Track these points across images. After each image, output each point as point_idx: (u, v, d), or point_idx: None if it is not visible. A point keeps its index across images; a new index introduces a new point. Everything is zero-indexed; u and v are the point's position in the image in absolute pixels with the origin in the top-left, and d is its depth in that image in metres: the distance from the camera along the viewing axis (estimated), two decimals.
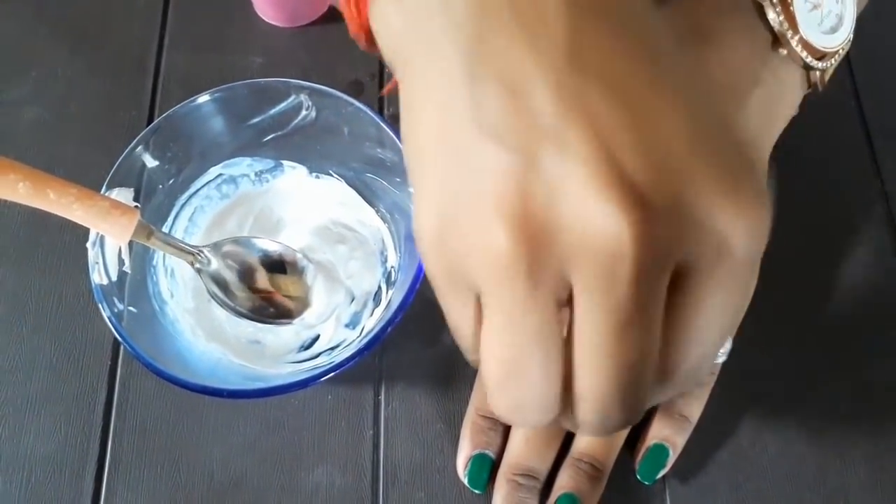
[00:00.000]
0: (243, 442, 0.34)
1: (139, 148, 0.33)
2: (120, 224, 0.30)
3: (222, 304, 0.33)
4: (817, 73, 0.32)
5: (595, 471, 0.31)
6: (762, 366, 0.35)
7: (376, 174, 0.36)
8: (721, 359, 0.32)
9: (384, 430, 0.34)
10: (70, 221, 0.29)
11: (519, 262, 0.17)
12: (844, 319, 0.36)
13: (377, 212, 0.37)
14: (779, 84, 0.32)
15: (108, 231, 0.30)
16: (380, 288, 0.36)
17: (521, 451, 0.31)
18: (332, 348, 0.35)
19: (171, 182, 0.35)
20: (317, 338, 0.35)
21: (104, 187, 0.32)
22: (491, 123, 0.17)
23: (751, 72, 0.31)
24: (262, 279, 0.34)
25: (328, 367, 0.29)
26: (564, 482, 0.31)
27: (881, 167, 0.39)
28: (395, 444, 0.34)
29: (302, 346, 0.35)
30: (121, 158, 0.32)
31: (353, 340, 0.35)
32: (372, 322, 0.35)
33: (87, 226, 0.30)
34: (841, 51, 0.30)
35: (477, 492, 0.32)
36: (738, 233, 0.17)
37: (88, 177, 0.30)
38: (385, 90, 0.25)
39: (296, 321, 0.35)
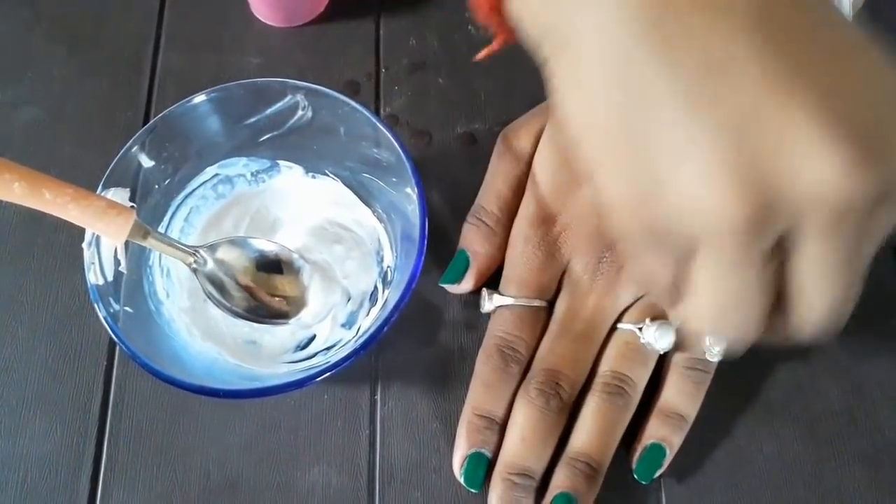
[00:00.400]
0: (239, 442, 0.34)
1: (135, 148, 0.33)
2: (116, 224, 0.30)
3: (218, 304, 0.33)
4: None
5: (591, 470, 0.31)
6: (757, 365, 0.35)
7: (372, 174, 0.36)
8: (716, 358, 0.32)
9: (380, 429, 0.34)
10: (65, 221, 0.29)
11: (747, 223, 0.18)
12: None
13: (373, 212, 0.37)
14: None
15: (104, 231, 0.30)
16: (376, 288, 0.36)
17: (518, 450, 0.31)
18: (329, 348, 0.35)
19: (166, 182, 0.35)
20: (313, 338, 0.35)
21: (100, 187, 0.32)
22: (689, 96, 0.18)
23: None
24: (259, 279, 0.34)
25: (324, 366, 0.29)
26: (560, 481, 0.31)
27: None
28: (391, 443, 0.34)
29: (298, 346, 0.35)
30: (117, 158, 0.32)
31: (350, 340, 0.35)
32: (368, 322, 0.35)
33: (83, 226, 0.30)
34: None
35: (473, 491, 0.32)
36: None
37: (84, 177, 0.30)
38: (484, 54, 0.26)
39: (292, 321, 0.35)
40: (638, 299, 0.33)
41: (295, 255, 0.35)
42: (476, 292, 0.35)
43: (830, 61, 0.18)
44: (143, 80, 0.42)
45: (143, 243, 0.31)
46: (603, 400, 0.32)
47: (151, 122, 0.33)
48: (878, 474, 0.33)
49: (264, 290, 0.35)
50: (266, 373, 0.34)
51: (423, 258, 0.31)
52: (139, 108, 0.41)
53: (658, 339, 0.32)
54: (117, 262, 0.32)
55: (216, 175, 0.36)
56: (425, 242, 0.31)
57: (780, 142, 0.17)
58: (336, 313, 0.35)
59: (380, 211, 0.37)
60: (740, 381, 0.34)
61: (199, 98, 0.33)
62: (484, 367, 0.33)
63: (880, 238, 0.20)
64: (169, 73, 0.42)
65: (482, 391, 0.33)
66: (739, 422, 0.34)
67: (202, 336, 0.34)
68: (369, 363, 0.35)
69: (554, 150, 0.34)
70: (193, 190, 0.36)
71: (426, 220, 0.31)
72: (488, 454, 0.32)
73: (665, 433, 0.32)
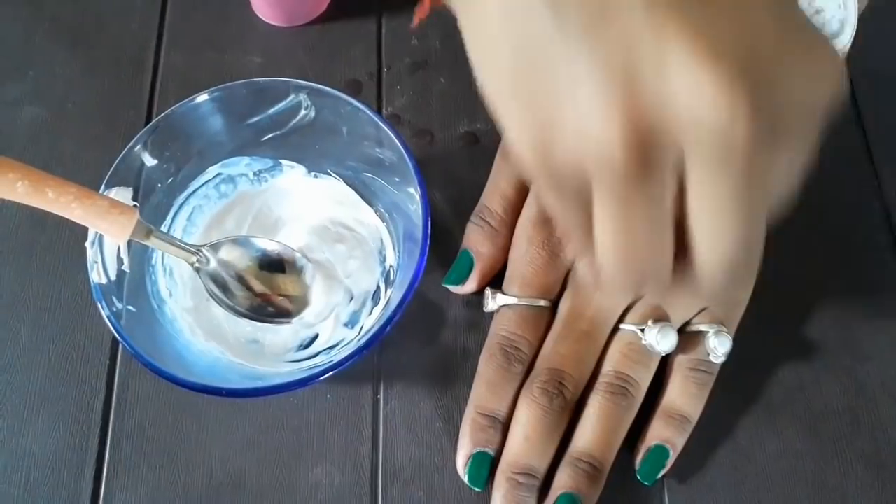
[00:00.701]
0: (242, 441, 0.34)
1: (138, 147, 0.33)
2: (119, 223, 0.30)
3: (221, 304, 0.33)
4: None
5: (594, 470, 0.31)
6: (760, 366, 0.35)
7: (375, 173, 0.36)
8: (720, 359, 0.32)
9: (383, 428, 0.34)
10: (68, 220, 0.29)
11: (629, 151, 0.18)
12: (841, 319, 0.36)
13: (376, 211, 0.37)
14: None
15: (107, 230, 0.30)
16: (378, 287, 0.36)
17: (521, 450, 0.31)
18: (331, 347, 0.35)
19: (169, 181, 0.35)
20: (315, 337, 0.35)
21: (103, 186, 0.32)
22: (579, 33, 0.18)
23: None
24: (261, 278, 0.34)
25: (327, 365, 0.29)
26: (563, 482, 0.31)
27: (879, 172, 0.39)
28: (394, 442, 0.34)
29: (301, 346, 0.35)
30: (119, 158, 0.32)
31: (352, 339, 0.35)
32: (371, 321, 0.35)
33: (86, 225, 0.30)
34: (841, 55, 0.31)
35: (476, 490, 0.32)
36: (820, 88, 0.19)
37: (87, 176, 0.30)
38: (416, 20, 0.27)
39: (294, 320, 0.35)
40: (640, 299, 0.33)
41: (297, 255, 0.35)
42: (479, 292, 0.35)
43: None
44: (145, 79, 0.42)
45: (146, 242, 0.31)
46: (606, 400, 0.32)
47: (154, 121, 0.33)
48: (881, 474, 0.33)
49: (267, 289, 0.35)
50: (269, 372, 0.34)
51: (425, 258, 0.31)
52: (141, 107, 0.41)
53: (660, 340, 0.32)
54: (120, 261, 0.32)
55: (219, 174, 0.36)
56: (428, 242, 0.31)
57: (658, 70, 0.17)
58: (338, 313, 0.35)
59: (382, 210, 0.37)
60: (742, 381, 0.34)
61: (202, 97, 0.33)
62: (487, 366, 0.33)
63: (781, 175, 0.20)
64: (171, 73, 0.42)
65: (485, 390, 0.33)
66: (741, 422, 0.34)
67: (205, 335, 0.34)
68: (372, 362, 0.35)
69: None
70: (196, 189, 0.36)
71: (429, 219, 0.31)
72: (492, 453, 0.32)
73: (668, 434, 0.32)
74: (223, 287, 0.33)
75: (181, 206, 0.36)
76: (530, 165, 0.21)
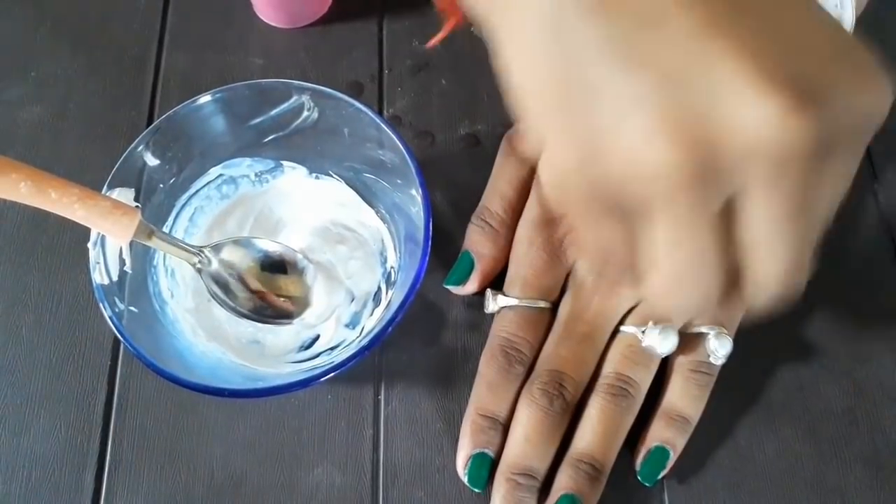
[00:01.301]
0: (243, 441, 0.34)
1: (140, 148, 0.33)
2: (121, 224, 0.30)
3: (223, 304, 0.33)
4: None
5: (595, 471, 0.31)
6: (759, 367, 0.35)
7: (376, 175, 0.36)
8: (720, 361, 0.32)
9: (384, 429, 0.34)
10: (69, 221, 0.29)
11: (691, 177, 0.18)
12: (839, 320, 0.36)
13: (377, 212, 0.37)
14: None
15: (109, 231, 0.30)
16: (379, 288, 0.36)
17: (521, 451, 0.31)
18: (332, 348, 0.35)
19: (171, 182, 0.35)
20: (317, 338, 0.35)
21: (105, 187, 0.32)
22: (625, 53, 0.18)
23: None
24: (263, 279, 0.34)
25: (328, 366, 0.29)
26: (564, 483, 0.31)
27: (878, 175, 0.39)
28: (394, 443, 0.34)
29: (302, 346, 0.35)
30: (122, 158, 0.32)
31: (353, 340, 0.35)
32: (372, 322, 0.35)
33: (89, 226, 0.30)
34: None
35: (476, 490, 0.32)
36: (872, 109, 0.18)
37: (88, 177, 0.30)
38: (434, 40, 0.27)
39: (296, 321, 0.35)
40: (641, 301, 0.33)
41: (299, 256, 0.35)
42: (480, 293, 0.36)
43: (762, 10, 0.18)
44: (146, 79, 0.42)
45: (148, 243, 0.31)
46: (607, 402, 0.32)
47: (156, 122, 0.33)
48: (880, 474, 0.33)
49: (268, 290, 0.35)
50: (270, 373, 0.34)
51: (427, 259, 0.31)
52: (143, 108, 0.41)
53: (661, 342, 0.32)
54: (122, 262, 0.32)
55: (220, 175, 0.37)
56: (429, 243, 0.31)
57: (716, 92, 0.17)
58: (340, 313, 0.35)
59: (383, 212, 0.37)
60: (742, 381, 0.34)
61: (205, 98, 0.33)
62: (488, 367, 0.33)
63: (832, 194, 0.19)
64: (173, 74, 0.42)
65: (486, 391, 0.33)
66: (741, 422, 0.34)
67: (206, 336, 0.34)
68: (373, 363, 0.35)
69: None
70: (198, 190, 0.36)
71: (430, 220, 0.31)
72: (492, 454, 0.32)
73: (669, 436, 0.32)
74: (225, 288, 0.34)
75: (183, 206, 0.36)
76: (573, 188, 0.20)
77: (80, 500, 0.33)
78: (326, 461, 0.34)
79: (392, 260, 0.36)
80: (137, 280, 0.33)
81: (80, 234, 0.31)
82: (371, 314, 0.35)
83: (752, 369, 0.35)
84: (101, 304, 0.30)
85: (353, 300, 0.36)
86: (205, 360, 0.33)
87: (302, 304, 0.35)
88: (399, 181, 0.34)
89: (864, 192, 0.39)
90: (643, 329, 0.32)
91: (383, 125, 0.33)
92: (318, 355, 0.35)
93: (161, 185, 0.35)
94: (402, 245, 0.36)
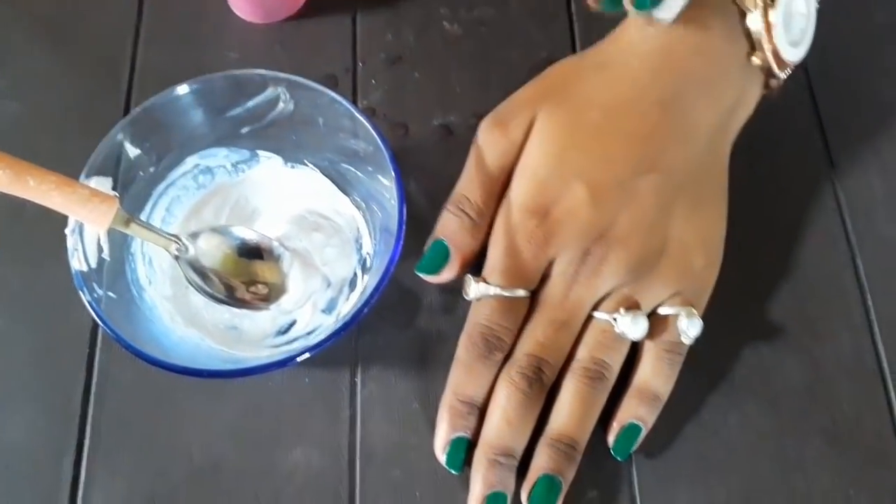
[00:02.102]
0: (222, 426, 0.35)
1: (119, 136, 0.33)
2: (99, 211, 0.30)
3: (200, 291, 0.34)
4: (775, 81, 0.35)
5: (571, 450, 0.32)
6: (723, 346, 0.36)
7: (350, 164, 0.37)
8: (690, 341, 0.33)
9: (361, 411, 0.35)
10: (44, 212, 0.30)
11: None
12: (798, 302, 0.37)
13: (352, 200, 0.38)
14: (747, 89, 0.35)
15: (87, 218, 0.31)
16: (355, 274, 0.37)
17: (501, 432, 0.32)
18: (309, 333, 0.35)
19: (148, 172, 0.35)
20: (293, 323, 0.36)
21: (82, 175, 0.32)
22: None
23: (729, 74, 0.34)
24: (240, 266, 0.35)
25: (306, 347, 0.30)
26: (543, 462, 0.32)
27: (833, 157, 0.41)
28: (371, 424, 0.35)
29: (279, 331, 0.36)
30: (99, 147, 0.33)
31: (330, 325, 0.35)
32: (348, 307, 0.36)
33: (67, 213, 0.30)
34: (797, 63, 0.34)
35: (454, 472, 0.33)
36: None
37: (64, 171, 0.30)
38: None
39: (272, 307, 0.35)
40: (614, 289, 0.34)
41: (275, 243, 0.36)
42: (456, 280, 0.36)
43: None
44: (122, 75, 0.42)
45: (126, 231, 0.32)
46: (583, 384, 0.33)
47: (134, 111, 0.34)
48: (837, 446, 0.34)
49: (245, 277, 0.35)
50: (248, 357, 0.34)
51: (401, 244, 0.32)
52: (119, 103, 0.42)
53: (632, 328, 0.33)
54: (100, 249, 0.33)
55: (197, 165, 0.37)
56: (403, 228, 0.32)
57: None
58: (316, 299, 0.36)
59: (358, 200, 0.38)
60: (706, 359, 0.36)
61: (182, 89, 0.34)
62: (467, 353, 0.34)
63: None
64: (148, 69, 0.43)
65: (464, 377, 0.34)
66: (706, 399, 0.35)
67: (184, 322, 0.35)
68: (349, 347, 0.36)
69: (549, 141, 0.35)
70: (174, 180, 0.37)
71: (404, 206, 0.32)
72: (469, 437, 0.33)
73: (642, 413, 0.33)
74: (202, 275, 0.34)
75: (160, 196, 0.37)
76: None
77: (58, 488, 0.34)
78: (304, 443, 0.34)
79: (367, 247, 0.37)
80: (115, 267, 0.34)
81: (57, 224, 0.32)
82: (347, 299, 0.36)
83: (717, 348, 0.36)
84: (79, 290, 0.31)
85: (329, 286, 0.36)
86: (183, 345, 0.34)
87: (278, 290, 0.36)
88: (372, 169, 0.35)
89: (821, 179, 0.40)
90: (615, 316, 0.33)
91: (358, 115, 0.34)
92: (295, 340, 0.35)
93: (138, 175, 0.35)
94: (377, 232, 0.36)
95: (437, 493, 0.33)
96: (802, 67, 0.42)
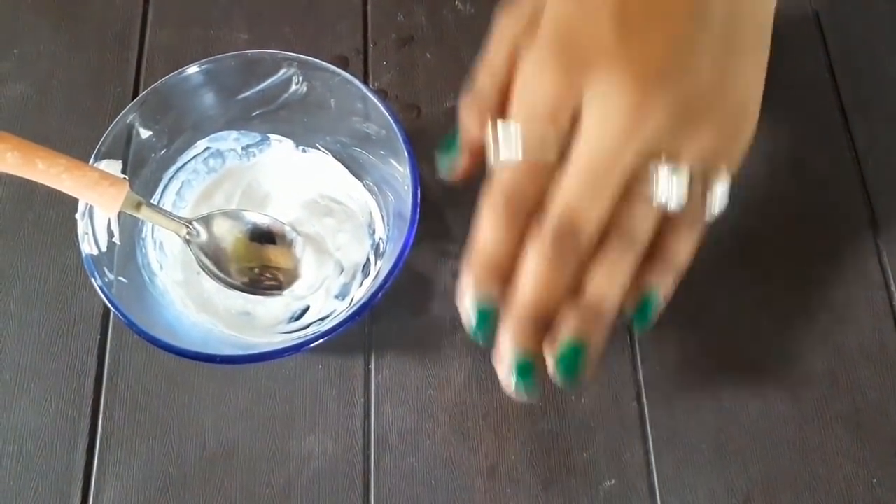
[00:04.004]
0: (235, 411, 0.34)
1: (130, 118, 0.33)
2: (109, 194, 0.30)
3: (212, 276, 0.33)
4: None
5: (600, 317, 0.29)
6: (743, 330, 0.36)
7: (363, 147, 0.36)
8: (719, 209, 0.30)
9: (375, 397, 0.34)
10: (56, 197, 0.29)
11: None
12: (820, 288, 0.37)
13: (365, 185, 0.37)
14: None
15: (97, 201, 0.30)
16: (368, 260, 0.36)
17: (532, 296, 0.29)
18: (322, 319, 0.35)
19: (158, 155, 0.35)
20: (307, 309, 0.36)
21: (92, 158, 0.32)
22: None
23: None
24: (252, 250, 0.34)
25: (319, 333, 0.30)
26: (570, 325, 0.29)
27: (854, 138, 0.40)
28: (385, 411, 0.34)
29: (292, 318, 0.35)
30: (109, 129, 0.32)
31: (343, 311, 0.35)
32: (361, 293, 0.35)
33: (76, 196, 0.30)
34: None
35: (481, 343, 0.29)
36: None
37: (74, 153, 0.30)
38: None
39: (285, 293, 0.35)
40: (650, 144, 0.30)
41: (287, 228, 0.35)
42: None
43: None
44: (131, 55, 0.42)
45: (137, 214, 0.31)
46: (615, 250, 0.30)
47: (144, 92, 0.33)
48: (859, 433, 0.34)
49: (257, 262, 0.35)
50: (261, 342, 0.34)
51: (415, 227, 0.31)
52: (128, 83, 0.41)
53: (669, 191, 0.29)
54: (110, 234, 0.32)
55: (207, 149, 0.37)
56: (418, 212, 0.31)
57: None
58: (329, 285, 0.36)
59: (370, 184, 0.37)
60: (726, 345, 0.35)
61: (192, 69, 0.33)
62: (493, 213, 0.29)
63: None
64: (157, 49, 0.42)
65: (490, 240, 0.30)
66: (726, 385, 0.35)
67: (196, 308, 0.34)
68: (363, 333, 0.36)
69: None
70: (185, 164, 0.36)
71: (419, 189, 0.32)
72: (497, 305, 0.29)
73: (662, 281, 0.31)
74: (214, 259, 0.34)
75: (170, 180, 0.36)
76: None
77: (71, 473, 0.33)
78: (318, 430, 0.34)
79: (380, 232, 0.36)
80: (126, 252, 0.33)
81: (67, 210, 0.31)
82: (360, 285, 0.36)
83: (735, 332, 0.35)
84: (90, 274, 0.30)
85: (342, 271, 0.36)
86: (195, 330, 0.33)
87: (291, 275, 0.35)
88: (386, 153, 0.34)
89: (840, 160, 0.39)
90: (657, 168, 0.29)
91: (370, 96, 0.33)
92: (308, 326, 0.35)
93: (149, 157, 0.35)
94: (389, 216, 0.36)
95: (451, 480, 0.33)
96: (823, 51, 0.41)
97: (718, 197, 0.30)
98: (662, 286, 0.31)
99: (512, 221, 0.30)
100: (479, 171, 0.32)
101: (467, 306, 0.30)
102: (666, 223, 0.31)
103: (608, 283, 0.29)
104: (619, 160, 0.30)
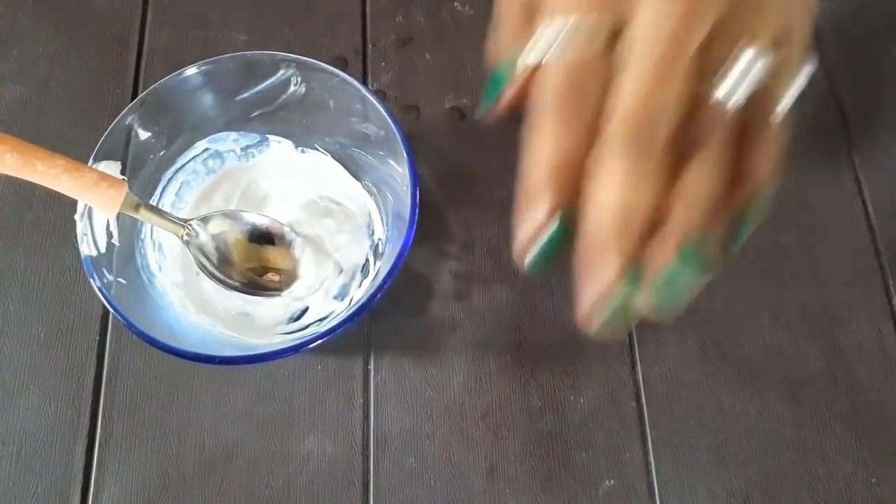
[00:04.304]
0: (234, 412, 0.34)
1: (128, 119, 0.33)
2: (108, 196, 0.30)
3: (211, 277, 0.33)
4: None
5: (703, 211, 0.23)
6: (741, 331, 0.36)
7: (362, 148, 0.36)
8: (796, 93, 0.25)
9: (374, 398, 0.34)
10: (55, 198, 0.29)
11: None
12: (819, 286, 0.37)
13: (363, 185, 0.37)
14: None
15: (96, 203, 0.30)
16: (367, 260, 0.36)
17: (611, 223, 0.23)
18: (321, 320, 0.35)
19: (157, 156, 0.35)
20: (306, 310, 0.36)
21: (91, 159, 0.32)
22: None
23: None
24: (251, 251, 0.34)
25: (319, 333, 0.30)
26: (680, 226, 0.23)
27: (853, 139, 0.40)
28: (384, 411, 0.34)
29: (291, 318, 0.35)
30: (108, 130, 0.32)
31: (342, 312, 0.35)
32: (360, 293, 0.35)
33: (75, 197, 0.30)
34: None
35: (541, 274, 0.24)
36: None
37: (73, 154, 0.30)
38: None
39: (284, 293, 0.35)
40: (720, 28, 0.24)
41: (286, 229, 0.35)
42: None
43: None
44: (130, 56, 0.42)
45: (136, 215, 0.31)
46: (695, 162, 0.24)
47: (143, 94, 0.33)
48: (859, 433, 0.34)
49: (256, 262, 0.35)
50: (260, 344, 0.34)
51: (414, 228, 0.31)
52: (127, 85, 0.41)
53: (742, 79, 0.24)
54: (109, 235, 0.32)
55: (206, 149, 0.37)
56: (416, 212, 0.31)
57: None
58: (328, 285, 0.36)
59: (369, 184, 0.37)
60: (725, 346, 0.35)
61: (190, 70, 0.33)
62: (549, 118, 0.24)
63: None
64: (156, 50, 0.42)
65: (552, 146, 0.24)
66: (725, 386, 0.35)
67: (195, 309, 0.34)
68: (362, 334, 0.36)
69: None
70: (184, 165, 0.36)
71: (417, 190, 0.32)
72: (564, 230, 0.23)
73: (751, 201, 0.25)
74: (213, 260, 0.34)
75: (169, 181, 0.36)
76: None
77: (70, 474, 0.33)
78: (317, 430, 0.34)
79: (379, 232, 0.36)
80: (125, 253, 0.33)
81: (65, 211, 0.31)
82: (359, 286, 0.36)
83: (735, 334, 0.35)
84: (89, 276, 0.30)
85: (341, 272, 0.36)
86: (194, 331, 0.33)
87: (290, 276, 0.35)
88: (384, 154, 0.34)
89: (840, 162, 0.39)
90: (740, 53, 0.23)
91: (369, 96, 0.33)
92: (306, 327, 0.35)
93: (148, 159, 0.34)
94: (388, 217, 0.36)
95: (451, 481, 0.33)
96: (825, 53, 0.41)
97: (798, 84, 0.25)
98: (747, 208, 0.25)
99: (573, 124, 0.24)
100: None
101: (527, 236, 0.24)
102: (742, 139, 0.25)
103: (697, 214, 0.23)
104: (685, 44, 0.24)
